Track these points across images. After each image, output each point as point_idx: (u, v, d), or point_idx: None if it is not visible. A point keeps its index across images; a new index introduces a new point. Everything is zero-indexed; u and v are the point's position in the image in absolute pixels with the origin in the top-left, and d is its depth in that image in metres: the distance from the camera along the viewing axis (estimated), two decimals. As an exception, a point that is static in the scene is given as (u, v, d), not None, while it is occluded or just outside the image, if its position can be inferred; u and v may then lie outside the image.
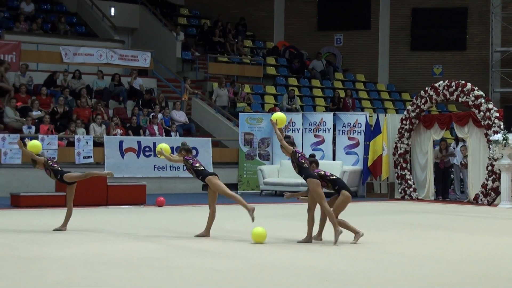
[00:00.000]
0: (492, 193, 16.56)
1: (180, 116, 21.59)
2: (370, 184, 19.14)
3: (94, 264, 7.47)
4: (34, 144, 10.49)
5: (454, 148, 18.89)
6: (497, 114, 16.62)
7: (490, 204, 16.52)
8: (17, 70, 20.48)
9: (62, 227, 10.47)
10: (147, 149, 18.87)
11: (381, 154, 18.60)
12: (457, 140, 18.88)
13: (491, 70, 27.48)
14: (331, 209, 9.27)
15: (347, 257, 8.22)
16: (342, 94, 25.02)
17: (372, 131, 18.98)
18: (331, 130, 19.62)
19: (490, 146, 16.45)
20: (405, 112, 18.60)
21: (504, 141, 15.77)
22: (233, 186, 18.22)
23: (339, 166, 18.43)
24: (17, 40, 21.08)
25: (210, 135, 21.60)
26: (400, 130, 18.42)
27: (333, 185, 9.41)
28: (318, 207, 9.44)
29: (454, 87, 17.46)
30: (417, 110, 18.24)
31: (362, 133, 19.20)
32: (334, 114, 20.02)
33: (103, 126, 19.22)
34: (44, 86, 20.35)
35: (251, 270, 7.31)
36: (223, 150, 20.81)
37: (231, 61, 26.16)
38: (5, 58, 20.15)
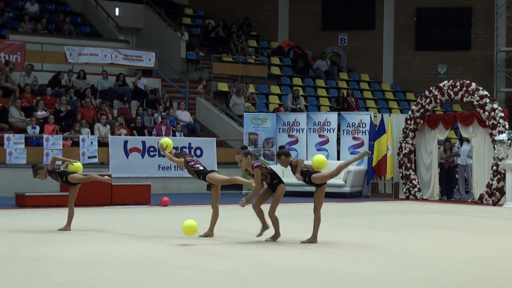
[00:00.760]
0: (497, 193, 16.54)
1: (184, 116, 21.61)
2: (374, 184, 19.14)
3: (98, 264, 7.47)
4: (77, 166, 10.61)
5: (458, 148, 18.86)
6: (502, 114, 16.59)
7: (495, 204, 16.50)
8: (22, 70, 20.53)
9: (67, 228, 10.48)
10: (151, 149, 18.88)
11: (386, 154, 18.59)
12: (462, 140, 18.85)
13: (496, 70, 27.45)
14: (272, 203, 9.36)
15: (352, 258, 8.21)
16: (346, 93, 25.00)
17: (377, 131, 18.96)
18: (336, 130, 19.62)
19: (495, 146, 16.42)
20: (410, 112, 18.58)
21: (509, 141, 15.74)
22: (237, 186, 18.22)
23: (344, 166, 18.38)
24: (21, 40, 21.14)
25: (214, 135, 21.62)
26: (405, 130, 18.40)
27: (272, 178, 9.40)
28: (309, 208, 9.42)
29: (458, 87, 17.43)
30: (422, 110, 18.21)
31: (367, 133, 19.18)
32: (339, 114, 20.01)
33: (108, 126, 19.24)
34: (49, 86, 20.40)
35: (255, 271, 7.30)
36: (227, 150, 20.81)
37: (236, 61, 26.18)
38: (10, 58, 20.20)
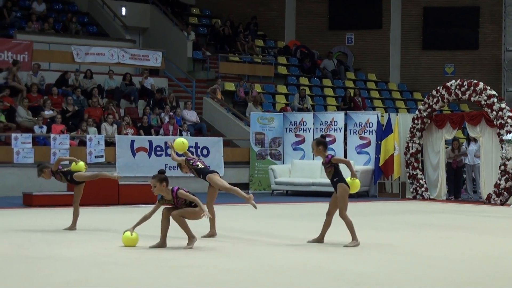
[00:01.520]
0: (505, 192, 16.47)
1: (191, 115, 21.61)
2: (381, 184, 19.09)
3: (103, 264, 7.47)
4: (81, 166, 10.64)
5: (466, 148, 18.81)
6: (510, 114, 16.53)
7: (503, 204, 16.44)
8: (29, 70, 20.56)
9: (72, 227, 10.49)
10: (158, 148, 18.88)
11: (393, 154, 18.55)
12: (469, 139, 18.79)
13: (503, 69, 27.35)
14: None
15: (358, 257, 8.19)
16: (353, 93, 24.97)
17: (384, 131, 18.92)
18: (342, 130, 19.59)
19: (502, 145, 16.37)
20: (417, 112, 18.53)
21: (517, 141, 15.70)
22: (244, 186, 18.22)
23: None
24: (29, 39, 21.17)
25: (221, 134, 21.60)
26: (412, 129, 18.36)
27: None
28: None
29: (466, 87, 17.38)
30: (429, 110, 18.16)
31: (374, 132, 19.14)
32: (346, 114, 19.99)
33: (115, 125, 19.26)
34: (56, 86, 20.42)
35: (260, 270, 7.28)
36: (234, 150, 20.80)
37: (242, 60, 26.17)
38: (17, 57, 20.23)
